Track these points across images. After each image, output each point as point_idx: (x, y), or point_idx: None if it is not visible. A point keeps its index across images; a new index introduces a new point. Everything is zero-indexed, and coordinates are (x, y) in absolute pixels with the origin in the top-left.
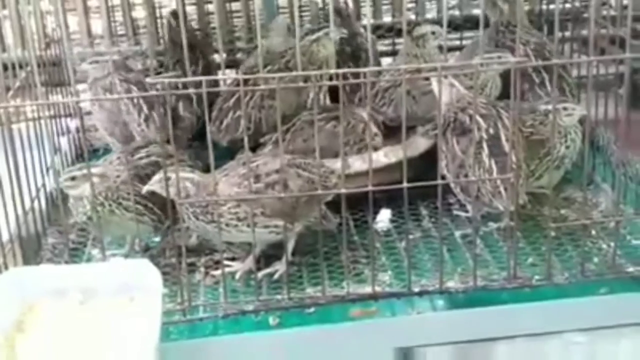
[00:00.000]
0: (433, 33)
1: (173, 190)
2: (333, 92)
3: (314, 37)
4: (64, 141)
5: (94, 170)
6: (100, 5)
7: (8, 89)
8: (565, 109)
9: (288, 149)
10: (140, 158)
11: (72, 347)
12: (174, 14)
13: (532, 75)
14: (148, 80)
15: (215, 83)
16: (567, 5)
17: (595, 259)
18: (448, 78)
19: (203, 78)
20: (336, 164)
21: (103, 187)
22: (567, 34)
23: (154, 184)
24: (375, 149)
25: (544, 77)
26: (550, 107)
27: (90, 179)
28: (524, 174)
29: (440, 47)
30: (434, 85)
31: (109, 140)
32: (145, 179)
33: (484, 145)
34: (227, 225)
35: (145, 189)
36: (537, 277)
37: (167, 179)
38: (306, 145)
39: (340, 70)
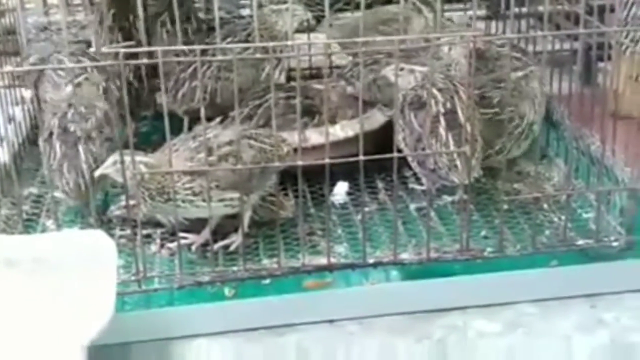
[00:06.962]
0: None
1: (128, 173)
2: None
3: (275, 7)
4: (18, 111)
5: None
6: None
7: None
8: (532, 72)
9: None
10: None
11: (23, 317)
12: None
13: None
14: (103, 49)
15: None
16: None
17: (547, 232)
18: (407, 66)
19: (159, 48)
20: (293, 137)
21: None
22: (524, 10)
23: (109, 168)
24: (333, 122)
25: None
26: (519, 74)
27: None
28: (479, 147)
29: None
30: (388, 72)
31: None
32: None
33: (441, 118)
34: (183, 201)
35: (98, 172)
36: (489, 249)
37: (122, 162)
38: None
39: (298, 42)
